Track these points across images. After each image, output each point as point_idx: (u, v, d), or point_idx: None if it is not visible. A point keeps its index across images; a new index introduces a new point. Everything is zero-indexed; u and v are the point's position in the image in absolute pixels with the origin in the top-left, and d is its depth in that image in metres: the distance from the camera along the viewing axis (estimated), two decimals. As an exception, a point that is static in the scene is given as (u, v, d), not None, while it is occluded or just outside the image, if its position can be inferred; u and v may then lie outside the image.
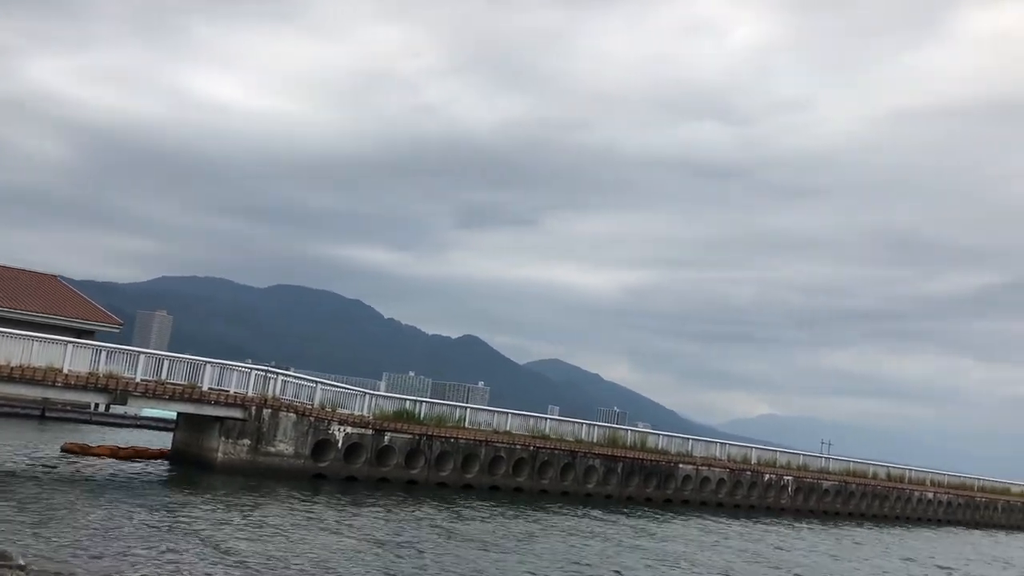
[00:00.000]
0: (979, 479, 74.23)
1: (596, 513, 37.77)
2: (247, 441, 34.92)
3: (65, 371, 31.46)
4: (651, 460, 48.48)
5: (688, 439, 55.00)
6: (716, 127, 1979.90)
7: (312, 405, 37.58)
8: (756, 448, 58.94)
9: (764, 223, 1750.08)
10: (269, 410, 35.47)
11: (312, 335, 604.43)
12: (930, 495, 64.26)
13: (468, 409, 45.95)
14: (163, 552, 18.30)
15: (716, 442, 57.03)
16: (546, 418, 49.61)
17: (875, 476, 63.13)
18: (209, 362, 35.71)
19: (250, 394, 35.55)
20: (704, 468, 50.73)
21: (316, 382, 39.98)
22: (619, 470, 46.59)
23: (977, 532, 60.90)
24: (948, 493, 66.22)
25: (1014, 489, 76.13)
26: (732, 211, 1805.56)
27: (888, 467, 66.49)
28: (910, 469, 68.53)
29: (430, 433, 40.21)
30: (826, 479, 57.51)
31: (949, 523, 63.13)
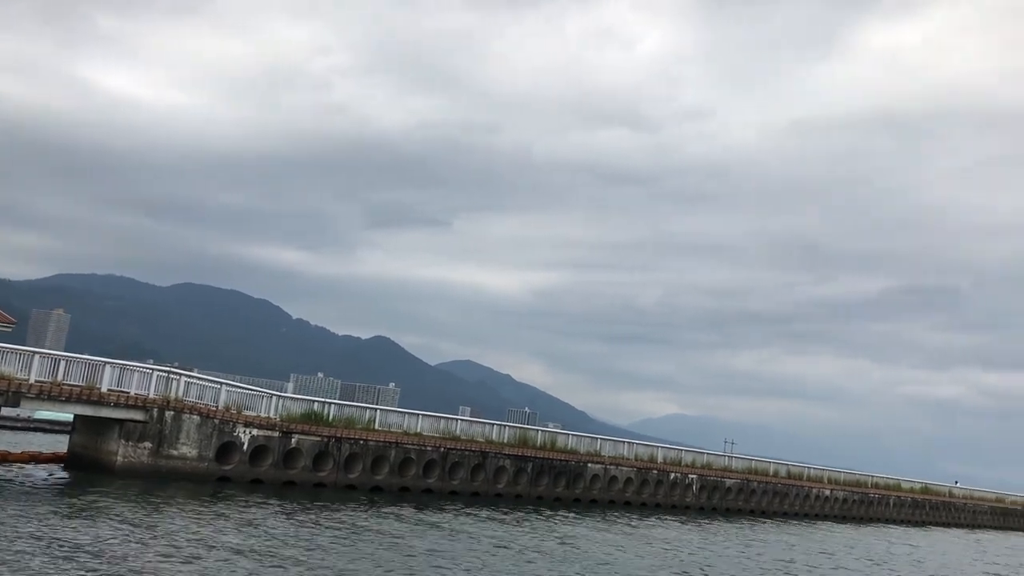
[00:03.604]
0: (872, 476, 77.29)
1: (470, 511, 37.89)
2: (148, 444, 33.93)
3: (-48, 372, 30.07)
4: (561, 460, 48.98)
5: (597, 439, 55.78)
6: (625, 133, 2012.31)
7: (217, 407, 36.76)
8: (663, 447, 60.17)
9: (670, 227, 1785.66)
10: (172, 412, 34.55)
11: (218, 335, 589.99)
12: (827, 492, 66.59)
13: (378, 411, 45.65)
14: (39, 570, 17.16)
15: (624, 442, 57.98)
16: (457, 419, 49.61)
17: (775, 474, 65.13)
18: (108, 362, 34.60)
19: (152, 396, 34.58)
20: (612, 467, 51.51)
21: (221, 383, 39.11)
22: (529, 470, 46.92)
23: (868, 527, 63.35)
24: (844, 490, 68.73)
25: (904, 485, 79.60)
26: (639, 215, 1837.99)
27: (788, 465, 68.66)
28: (808, 467, 70.93)
29: (339, 435, 39.78)
30: (729, 477, 59.04)
31: (845, 519, 65.51)
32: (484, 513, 36.90)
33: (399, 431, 43.77)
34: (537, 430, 54.02)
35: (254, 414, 38.21)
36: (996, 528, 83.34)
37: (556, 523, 37.21)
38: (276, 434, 37.62)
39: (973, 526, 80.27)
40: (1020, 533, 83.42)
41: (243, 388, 41.21)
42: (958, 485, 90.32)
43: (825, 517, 64.05)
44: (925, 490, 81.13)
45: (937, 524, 75.20)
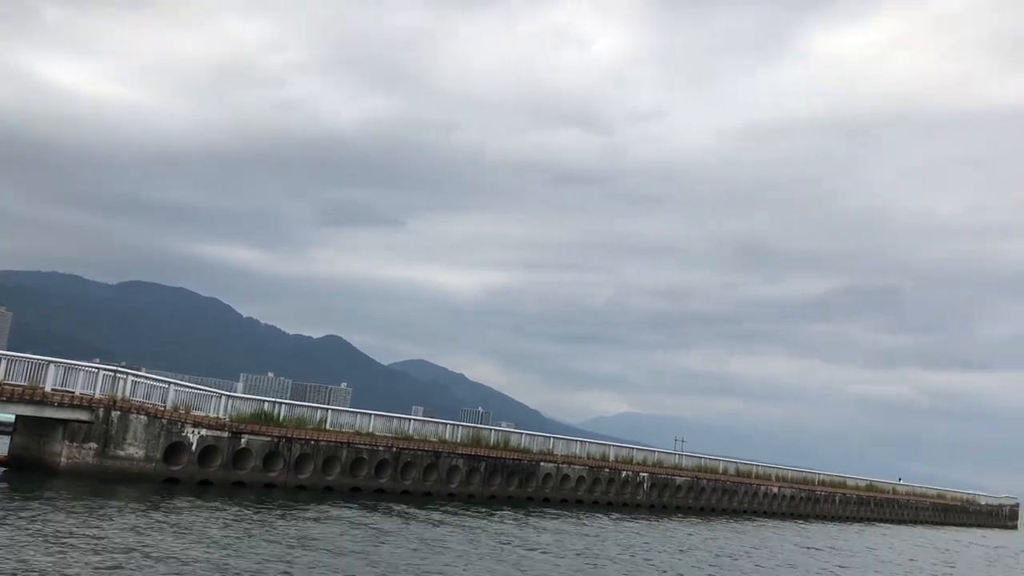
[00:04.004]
0: (819, 474, 78.68)
1: (414, 511, 37.87)
2: (94, 445, 33.30)
3: None
4: (514, 459, 49.10)
5: (550, 438, 56.02)
6: (579, 134, 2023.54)
7: (165, 407, 36.20)
8: (614, 446, 60.63)
9: (622, 228, 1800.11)
10: (118, 412, 33.94)
11: (166, 334, 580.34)
12: (775, 489, 67.62)
13: (329, 410, 45.33)
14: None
15: (577, 440, 58.34)
16: (409, 419, 49.49)
17: (725, 472, 65.99)
18: (52, 361, 33.88)
19: (98, 395, 33.94)
20: (565, 466, 51.76)
21: (169, 383, 38.51)
22: (482, 469, 46.95)
23: (815, 524, 64.47)
24: (792, 487, 69.85)
25: (849, 482, 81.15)
26: (592, 216, 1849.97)
27: (737, 463, 69.61)
28: (757, 465, 71.99)
29: (289, 435, 39.43)
30: (679, 475, 59.67)
31: (792, 516, 66.57)
32: (424, 514, 36.84)
33: (351, 431, 43.52)
34: (490, 429, 54.14)
35: (203, 414, 37.71)
36: (937, 523, 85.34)
37: (496, 522, 37.28)
38: (225, 434, 37.16)
39: (915, 522, 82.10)
40: (958, 528, 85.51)
41: (192, 388, 40.62)
42: (901, 482, 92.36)
43: (773, 514, 65.02)
44: (870, 487, 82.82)
45: (881, 520, 76.78)
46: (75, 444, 32.96)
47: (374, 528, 30.27)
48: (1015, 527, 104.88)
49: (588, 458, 55.14)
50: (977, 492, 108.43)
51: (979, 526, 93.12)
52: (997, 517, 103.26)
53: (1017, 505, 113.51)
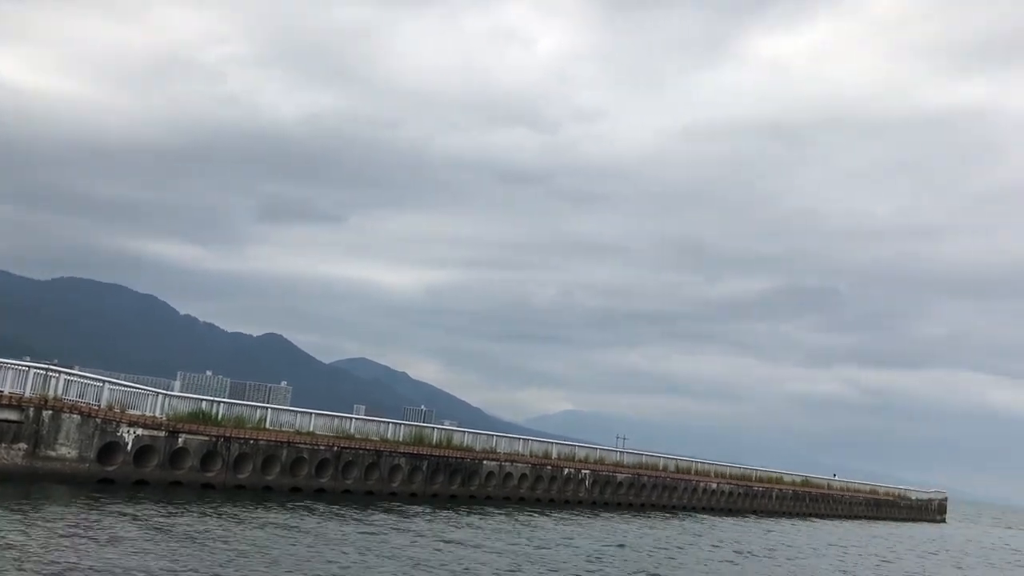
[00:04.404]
0: (756, 470, 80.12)
1: (345, 512, 37.67)
2: (23, 445, 32.35)
3: None
4: (456, 457, 49.04)
5: (493, 436, 56.10)
6: (523, 133, 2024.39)
7: (99, 406, 35.35)
8: (557, 444, 60.92)
9: (564, 227, 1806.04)
10: (50, 411, 33.03)
11: (100, 332, 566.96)
12: (714, 485, 68.67)
13: (269, 409, 44.80)
14: None
15: (520, 438, 58.53)
16: (351, 418, 49.15)
17: (665, 469, 66.82)
18: (-20, 360, 32.84)
19: (27, 394, 32.99)
20: (508, 464, 51.88)
21: (104, 381, 37.61)
22: (424, 468, 46.80)
23: (751, 518, 65.60)
24: (730, 483, 71.03)
25: (786, 478, 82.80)
26: (535, 214, 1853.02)
27: (677, 460, 70.53)
28: (697, 462, 73.03)
29: (228, 435, 38.83)
30: (620, 472, 60.24)
31: (731, 511, 67.68)
32: (351, 514, 36.59)
33: (291, 430, 43.03)
34: (433, 428, 54.07)
35: (139, 413, 36.92)
36: (870, 518, 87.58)
37: (429, 522, 37.24)
38: (162, 434, 36.44)
39: (850, 517, 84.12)
40: (889, 522, 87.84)
41: (127, 386, 39.77)
42: (836, 477, 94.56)
43: (712, 510, 66.03)
44: (805, 483, 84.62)
45: (817, 515, 78.49)
46: (3, 445, 31.98)
47: (291, 529, 29.64)
48: (943, 520, 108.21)
49: (531, 456, 55.35)
50: (908, 487, 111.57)
51: (910, 520, 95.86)
52: (927, 511, 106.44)
53: (946, 499, 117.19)
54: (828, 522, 73.61)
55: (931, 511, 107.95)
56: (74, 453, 33.65)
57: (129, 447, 35.24)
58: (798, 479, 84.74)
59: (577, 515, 47.80)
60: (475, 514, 40.89)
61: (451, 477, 48.30)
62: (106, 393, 36.16)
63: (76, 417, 33.79)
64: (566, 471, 55.67)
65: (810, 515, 77.37)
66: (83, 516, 26.12)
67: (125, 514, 27.45)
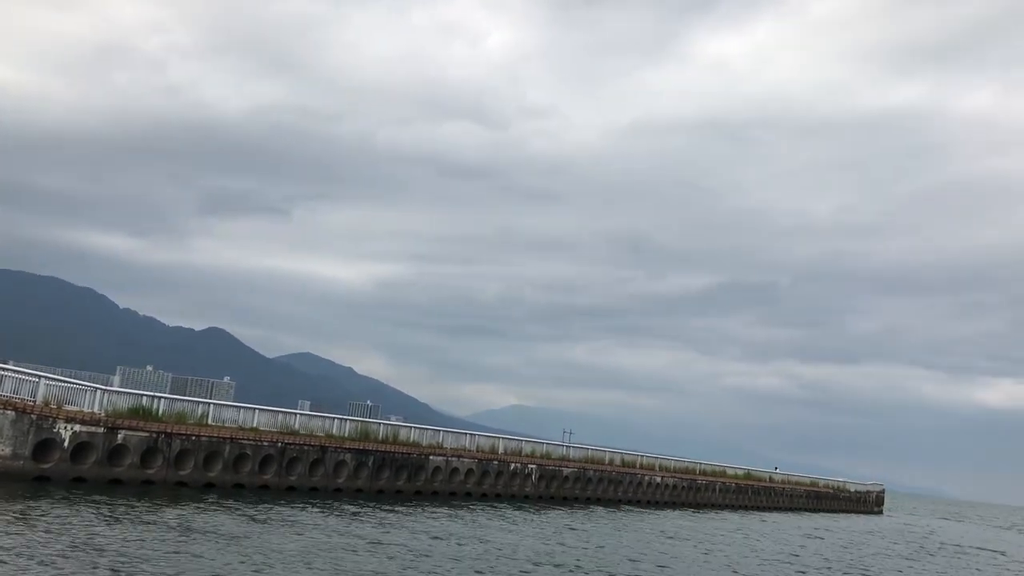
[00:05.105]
0: (700, 463, 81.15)
1: (285, 510, 37.35)
2: (-46, 443, 31.34)
3: None
4: (403, 452, 48.77)
5: (439, 431, 55.92)
6: (469, 128, 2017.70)
7: (34, 402, 34.39)
8: (504, 438, 60.98)
9: (513, 222, 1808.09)
10: (-18, 408, 32.05)
11: (35, 326, 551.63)
12: (659, 479, 69.37)
13: (212, 405, 44.04)
14: None
15: (466, 433, 58.41)
16: (296, 413, 48.65)
17: (611, 462, 67.32)
18: (-92, 355, 31.71)
19: (-41, 390, 31.97)
20: (454, 459, 51.76)
21: (39, 376, 36.60)
22: (370, 463, 46.47)
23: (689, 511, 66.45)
24: (675, 477, 71.81)
25: (729, 472, 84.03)
26: (481, 210, 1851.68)
27: (622, 454, 71.08)
28: (642, 455, 73.67)
29: (169, 431, 38.09)
30: (567, 466, 60.51)
31: (675, 505, 68.45)
32: (287, 512, 36.22)
33: (234, 426, 42.39)
34: (379, 423, 53.75)
35: (76, 409, 36.00)
36: (810, 510, 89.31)
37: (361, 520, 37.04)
38: (101, 430, 35.58)
39: (791, 509, 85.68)
40: (829, 514, 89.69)
41: (64, 381, 38.69)
42: (777, 471, 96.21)
43: (657, 503, 66.72)
44: (748, 476, 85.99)
45: (759, 508, 79.80)
46: (-67, 442, 30.98)
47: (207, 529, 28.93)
48: (880, 512, 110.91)
49: (477, 451, 55.31)
50: (847, 480, 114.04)
51: (848, 512, 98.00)
52: (865, 503, 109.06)
53: (883, 491, 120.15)
54: (768, 515, 74.88)
55: (869, 503, 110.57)
56: (8, 450, 32.71)
57: (66, 444, 34.35)
58: (740, 472, 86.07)
59: (509, 509, 47.91)
60: (397, 511, 40.74)
61: (397, 473, 48.04)
62: (42, 388, 35.20)
63: (10, 413, 32.85)
64: (513, 466, 55.74)
65: (753, 508, 78.60)
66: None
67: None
